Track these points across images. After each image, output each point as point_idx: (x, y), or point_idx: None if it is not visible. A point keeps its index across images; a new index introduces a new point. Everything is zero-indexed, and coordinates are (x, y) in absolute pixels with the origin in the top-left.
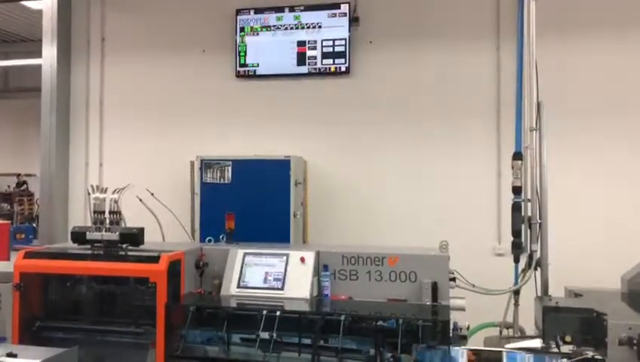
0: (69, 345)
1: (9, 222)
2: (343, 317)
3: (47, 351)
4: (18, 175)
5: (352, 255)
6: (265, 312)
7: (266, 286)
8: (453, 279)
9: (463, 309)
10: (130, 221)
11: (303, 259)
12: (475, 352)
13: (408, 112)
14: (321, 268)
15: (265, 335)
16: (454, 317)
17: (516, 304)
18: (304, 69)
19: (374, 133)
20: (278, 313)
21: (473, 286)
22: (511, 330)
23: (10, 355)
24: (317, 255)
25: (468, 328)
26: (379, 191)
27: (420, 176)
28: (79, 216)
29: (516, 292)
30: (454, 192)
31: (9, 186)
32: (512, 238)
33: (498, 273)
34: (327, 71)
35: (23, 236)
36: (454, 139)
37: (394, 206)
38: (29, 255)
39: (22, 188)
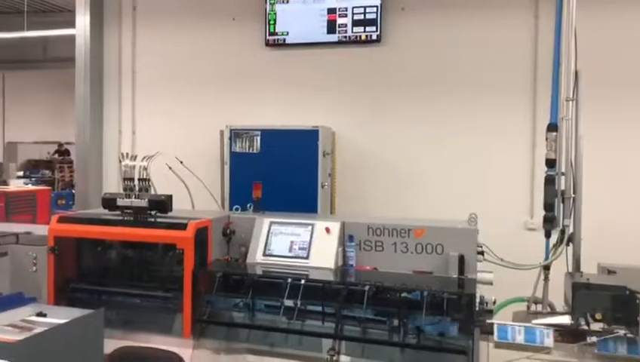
0: (100, 307)
1: (50, 188)
2: (367, 288)
3: (74, 312)
4: (60, 144)
5: (378, 226)
6: (290, 280)
7: (291, 254)
8: (482, 253)
9: (490, 283)
10: (162, 188)
11: (328, 229)
12: None
13: (441, 82)
14: (346, 238)
15: (289, 303)
16: (481, 290)
17: (546, 279)
18: (334, 38)
19: (405, 103)
20: (302, 281)
21: (502, 260)
22: (540, 306)
23: (40, 315)
24: (342, 225)
25: (494, 302)
26: (409, 162)
27: (451, 146)
28: (113, 183)
29: (546, 268)
30: (487, 164)
31: (49, 153)
32: (544, 212)
33: (529, 247)
34: (358, 39)
35: (63, 202)
36: (488, 109)
37: (424, 177)
38: (62, 219)
39: (63, 156)
